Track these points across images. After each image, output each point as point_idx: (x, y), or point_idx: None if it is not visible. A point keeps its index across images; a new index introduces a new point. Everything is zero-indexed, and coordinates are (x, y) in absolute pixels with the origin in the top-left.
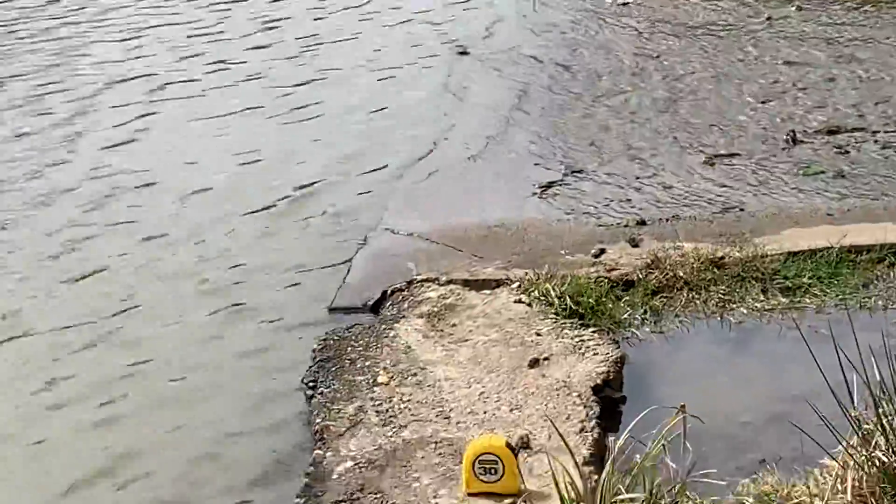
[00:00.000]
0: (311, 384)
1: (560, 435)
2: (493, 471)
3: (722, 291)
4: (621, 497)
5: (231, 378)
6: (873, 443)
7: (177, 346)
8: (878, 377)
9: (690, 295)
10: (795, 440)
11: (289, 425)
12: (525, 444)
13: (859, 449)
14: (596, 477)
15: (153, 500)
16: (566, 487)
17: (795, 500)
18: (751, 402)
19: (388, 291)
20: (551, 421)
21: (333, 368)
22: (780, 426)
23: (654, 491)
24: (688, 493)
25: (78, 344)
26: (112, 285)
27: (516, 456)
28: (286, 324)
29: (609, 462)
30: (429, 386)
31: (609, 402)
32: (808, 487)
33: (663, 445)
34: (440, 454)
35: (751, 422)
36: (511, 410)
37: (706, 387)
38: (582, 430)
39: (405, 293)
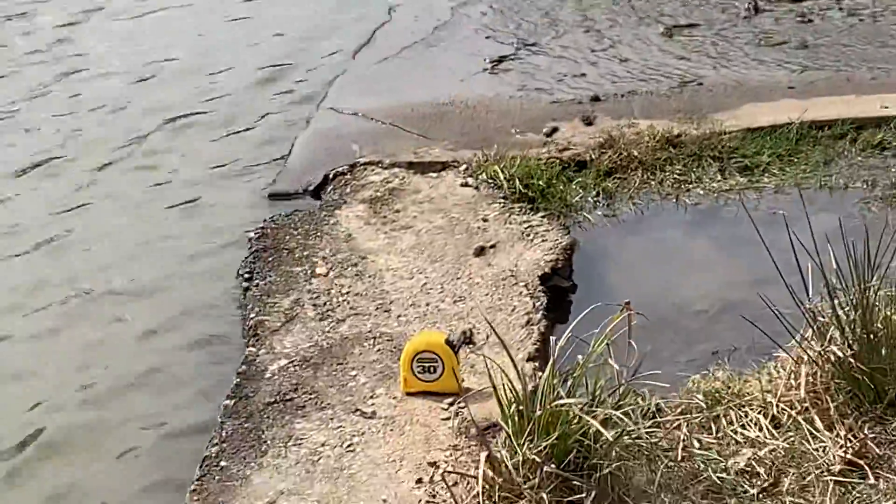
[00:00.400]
0: (246, 276)
1: (496, 334)
2: (431, 369)
3: (678, 172)
4: (561, 401)
5: (167, 272)
6: (828, 337)
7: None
8: (834, 265)
9: (645, 176)
10: (751, 331)
11: (223, 319)
12: (468, 340)
13: (814, 343)
14: (540, 375)
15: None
16: (504, 390)
17: (748, 397)
18: (705, 290)
19: (330, 175)
20: (487, 320)
21: (270, 259)
22: (736, 316)
23: (596, 394)
24: (636, 392)
25: None
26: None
27: (457, 353)
28: (225, 211)
29: (549, 364)
30: (369, 277)
31: (558, 291)
32: (761, 383)
33: (607, 345)
34: (379, 350)
35: (705, 311)
36: (455, 302)
37: (659, 274)
38: (528, 322)
39: (348, 177)
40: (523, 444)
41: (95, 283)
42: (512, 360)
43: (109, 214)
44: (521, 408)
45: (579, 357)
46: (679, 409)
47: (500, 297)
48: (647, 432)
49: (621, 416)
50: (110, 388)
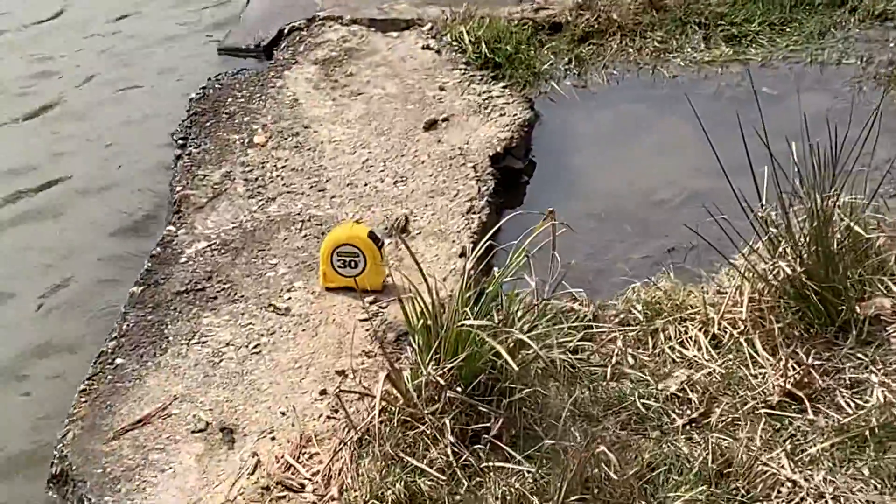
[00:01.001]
0: (180, 141)
1: (407, 247)
2: (353, 264)
3: (658, 39)
4: (468, 322)
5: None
6: (779, 250)
7: None
8: (807, 157)
9: (623, 42)
10: (712, 226)
11: (149, 192)
12: (402, 228)
13: (763, 255)
14: (451, 291)
15: None
16: (414, 301)
17: (691, 310)
18: (673, 176)
19: (285, 31)
20: (401, 220)
21: (208, 124)
22: (700, 208)
23: (511, 310)
24: (568, 301)
25: None
26: None
27: (381, 247)
28: (172, 66)
29: (461, 280)
30: (309, 150)
31: (511, 173)
32: (704, 296)
33: (527, 256)
34: (305, 237)
35: (669, 200)
36: (395, 183)
37: (624, 155)
38: (469, 210)
39: (304, 33)
40: (428, 362)
41: None
42: (421, 272)
43: None
44: (429, 323)
45: (495, 270)
46: (616, 321)
47: (444, 178)
48: (577, 345)
49: (531, 339)
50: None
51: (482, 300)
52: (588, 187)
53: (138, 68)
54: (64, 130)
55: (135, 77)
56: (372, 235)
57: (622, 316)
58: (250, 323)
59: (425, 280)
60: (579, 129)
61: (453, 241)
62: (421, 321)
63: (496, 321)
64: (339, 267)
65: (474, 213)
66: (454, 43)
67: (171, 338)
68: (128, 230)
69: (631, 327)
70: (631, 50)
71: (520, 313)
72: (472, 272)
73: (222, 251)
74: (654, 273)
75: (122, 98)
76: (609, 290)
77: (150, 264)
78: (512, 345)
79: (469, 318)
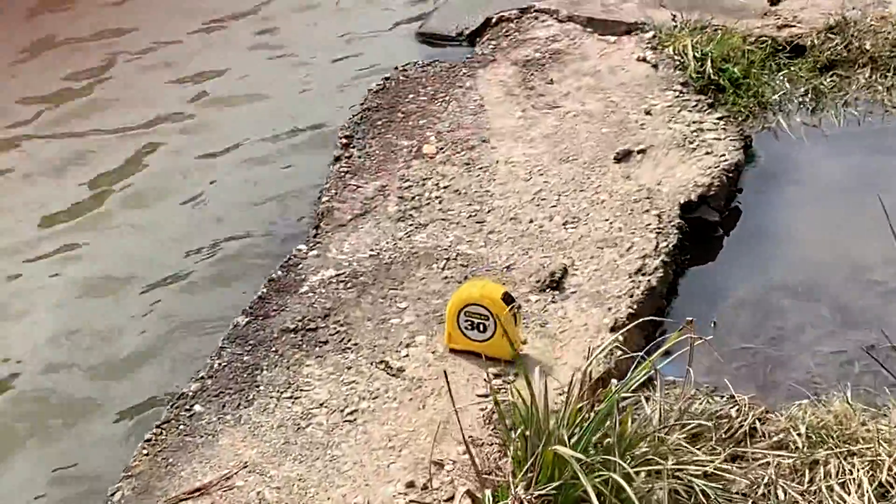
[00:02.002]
0: (345, 139)
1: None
2: (481, 327)
3: None
4: (560, 449)
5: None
6: None
7: None
8: None
9: (873, 77)
10: None
11: (298, 199)
12: (557, 281)
13: None
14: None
15: None
16: (514, 404)
17: (861, 444)
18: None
19: (493, 20)
20: (556, 273)
21: (380, 122)
22: None
23: (625, 437)
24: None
25: None
26: None
27: (516, 312)
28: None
29: (573, 384)
30: (480, 169)
31: (702, 226)
32: (878, 430)
33: (654, 370)
34: (446, 279)
35: (882, 282)
36: (564, 224)
37: (845, 217)
38: (639, 270)
39: (511, 26)
40: (520, 481)
41: None
42: (530, 382)
43: None
44: (527, 433)
45: (613, 383)
46: (773, 440)
47: (621, 226)
48: (722, 466)
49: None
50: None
51: (596, 416)
52: (792, 252)
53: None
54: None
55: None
56: (506, 298)
57: (781, 436)
58: (354, 381)
59: (529, 384)
60: (800, 176)
61: (609, 309)
62: (520, 428)
63: (599, 450)
64: (465, 328)
65: (644, 274)
66: (675, 57)
67: (261, 387)
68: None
69: (788, 453)
70: (880, 88)
71: (649, 426)
72: (590, 375)
73: (349, 285)
74: (843, 373)
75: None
76: (785, 388)
77: (265, 290)
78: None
79: (565, 440)
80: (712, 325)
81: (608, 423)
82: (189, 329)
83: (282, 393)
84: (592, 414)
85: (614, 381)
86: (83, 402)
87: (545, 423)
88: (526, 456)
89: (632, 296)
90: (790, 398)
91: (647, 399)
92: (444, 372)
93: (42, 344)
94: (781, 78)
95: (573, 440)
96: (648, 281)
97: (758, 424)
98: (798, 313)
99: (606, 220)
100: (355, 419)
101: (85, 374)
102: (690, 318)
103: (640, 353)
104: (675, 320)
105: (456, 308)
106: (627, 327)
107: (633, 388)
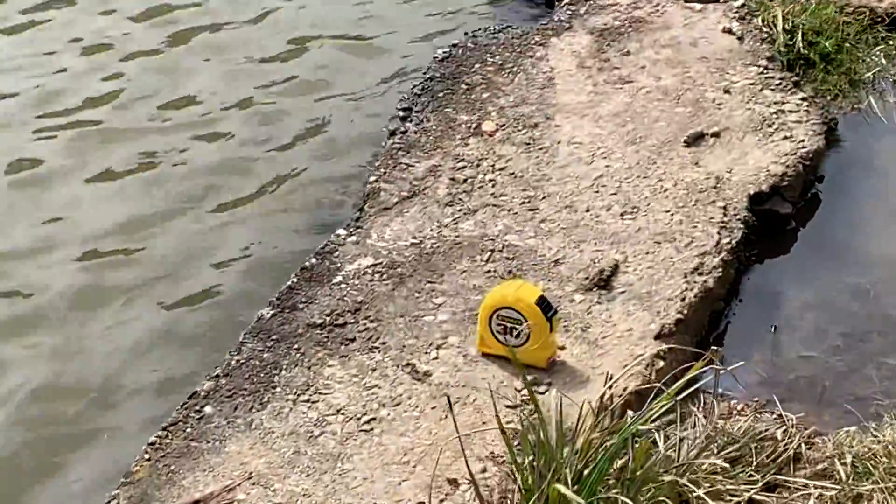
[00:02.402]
0: (403, 112)
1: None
2: (514, 332)
3: None
4: (559, 487)
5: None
6: None
7: None
8: None
9: None
10: None
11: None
12: (606, 279)
13: None
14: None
15: None
16: (523, 432)
17: None
18: None
19: None
20: (606, 271)
21: (441, 94)
22: None
23: (632, 482)
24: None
25: None
26: None
27: (552, 318)
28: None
29: (583, 415)
30: (540, 150)
31: (773, 218)
32: None
33: (675, 401)
34: (489, 273)
35: None
36: (622, 215)
37: None
38: (696, 269)
39: None
40: None
41: None
42: (538, 407)
43: None
44: (535, 463)
45: (629, 414)
46: (817, 469)
47: (682, 218)
48: (757, 497)
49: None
50: None
51: (605, 454)
52: (869, 249)
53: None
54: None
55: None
56: (542, 302)
57: (824, 465)
58: (376, 385)
59: (537, 408)
60: (887, 165)
61: (657, 313)
62: (530, 456)
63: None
64: (498, 332)
65: (701, 274)
66: (763, 29)
67: (278, 389)
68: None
69: (832, 484)
70: None
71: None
72: (612, 402)
73: (385, 276)
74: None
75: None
76: (842, 405)
77: (295, 279)
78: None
79: (577, 473)
80: (773, 329)
81: (625, 457)
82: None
83: (298, 396)
84: (605, 447)
85: (630, 413)
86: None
87: (558, 452)
88: (533, 488)
89: (683, 299)
90: (847, 415)
91: (686, 416)
92: (448, 398)
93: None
94: (878, 53)
95: (587, 472)
96: (704, 282)
97: (803, 449)
98: (866, 319)
99: (667, 211)
100: (372, 428)
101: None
102: (715, 348)
103: (684, 368)
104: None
105: (488, 311)
106: (623, 371)
107: (653, 419)
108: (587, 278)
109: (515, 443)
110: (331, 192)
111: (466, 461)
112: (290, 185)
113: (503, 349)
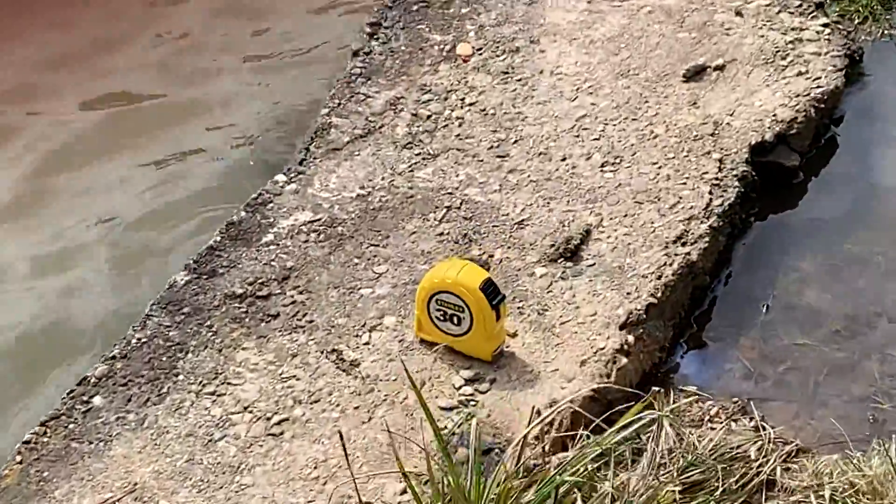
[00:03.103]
0: (370, 29)
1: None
2: (455, 319)
3: None
4: None
5: None
6: None
7: None
8: None
9: None
10: None
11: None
12: (574, 249)
13: None
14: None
15: None
16: (428, 478)
17: None
18: None
19: None
20: (573, 238)
21: (416, 7)
22: None
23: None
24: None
25: None
26: None
27: (498, 305)
28: None
29: (506, 458)
30: (518, 80)
31: (776, 172)
32: None
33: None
34: (441, 235)
35: None
36: (602, 167)
37: None
38: (678, 239)
39: None
40: None
41: None
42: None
43: None
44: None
45: (555, 458)
46: (791, 499)
47: (670, 172)
48: None
49: None
50: None
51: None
52: (885, 211)
53: None
54: None
55: None
56: (487, 287)
57: (799, 497)
58: (294, 377)
59: (448, 457)
60: None
61: (627, 295)
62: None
63: None
64: (437, 318)
65: (684, 244)
66: None
67: (181, 377)
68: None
69: None
70: None
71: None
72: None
73: (322, 237)
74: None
75: None
76: (836, 407)
77: (219, 238)
78: None
79: None
80: (764, 309)
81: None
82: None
83: (203, 387)
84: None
85: (556, 456)
86: None
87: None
88: None
89: (660, 276)
90: (840, 420)
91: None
92: (340, 434)
93: None
94: None
95: None
96: (687, 255)
97: (779, 473)
98: (874, 299)
99: (654, 163)
100: (282, 432)
101: None
102: (658, 389)
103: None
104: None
105: (426, 293)
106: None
107: (580, 467)
108: (553, 246)
109: (424, 489)
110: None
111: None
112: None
113: (444, 337)
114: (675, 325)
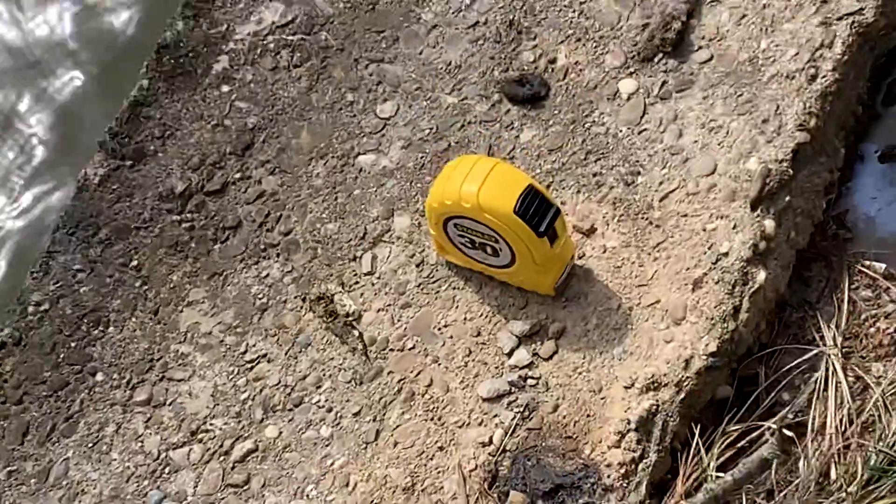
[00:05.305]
0: None
1: None
2: (488, 249)
3: None
4: None
5: None
6: None
7: None
8: None
9: None
10: None
11: None
12: (679, 29)
13: None
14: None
15: None
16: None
17: None
18: None
19: None
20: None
21: None
22: None
23: None
24: None
25: None
26: None
27: (549, 226)
28: None
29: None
30: None
31: None
32: None
33: None
34: (475, 29)
35: None
36: None
37: None
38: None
39: None
40: None
41: None
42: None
43: None
44: None
45: None
46: None
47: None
48: None
49: None
50: None
51: None
52: None
53: None
54: None
55: None
56: (528, 205)
57: None
58: (264, 354)
59: None
60: None
61: (763, 123)
62: None
63: None
64: (464, 245)
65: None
66: None
67: (100, 375)
68: None
69: None
70: None
71: None
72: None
73: (297, 58)
74: None
75: None
76: None
77: (146, 81)
78: None
79: None
80: None
81: None
82: None
83: (131, 391)
84: None
85: None
86: None
87: None
88: None
89: (814, 76)
90: None
91: None
92: None
93: None
94: None
95: None
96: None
97: None
98: None
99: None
100: (247, 480)
101: None
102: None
103: None
104: None
105: (438, 216)
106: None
107: None
108: (645, 30)
109: None
110: None
111: None
112: None
113: (477, 265)
114: (846, 136)
